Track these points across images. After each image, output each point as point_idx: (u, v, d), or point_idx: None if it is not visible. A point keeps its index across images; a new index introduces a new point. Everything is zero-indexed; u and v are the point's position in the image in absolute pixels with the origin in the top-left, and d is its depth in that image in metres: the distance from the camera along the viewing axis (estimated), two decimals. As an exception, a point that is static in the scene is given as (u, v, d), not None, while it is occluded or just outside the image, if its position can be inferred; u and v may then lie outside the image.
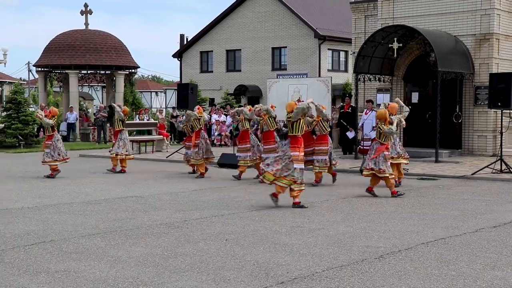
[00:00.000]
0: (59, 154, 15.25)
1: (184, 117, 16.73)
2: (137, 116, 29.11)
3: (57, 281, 6.07)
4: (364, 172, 12.27)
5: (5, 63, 33.26)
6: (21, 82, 44.02)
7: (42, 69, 31.85)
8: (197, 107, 16.58)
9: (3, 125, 24.64)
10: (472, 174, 15.13)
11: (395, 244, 7.70)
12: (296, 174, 10.56)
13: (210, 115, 26.12)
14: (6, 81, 56.94)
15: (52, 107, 17.00)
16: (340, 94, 33.28)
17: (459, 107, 20.06)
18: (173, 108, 31.14)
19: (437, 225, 9.00)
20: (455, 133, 20.18)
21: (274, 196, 10.60)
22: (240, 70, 38.96)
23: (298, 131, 10.75)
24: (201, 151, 15.35)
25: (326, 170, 13.70)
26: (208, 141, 15.87)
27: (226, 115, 27.46)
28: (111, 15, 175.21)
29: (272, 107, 14.33)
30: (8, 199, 11.51)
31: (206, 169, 15.59)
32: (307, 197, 11.76)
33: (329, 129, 13.73)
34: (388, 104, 12.55)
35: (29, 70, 59.66)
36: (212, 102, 36.43)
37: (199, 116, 15.77)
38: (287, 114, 11.12)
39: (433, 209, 10.55)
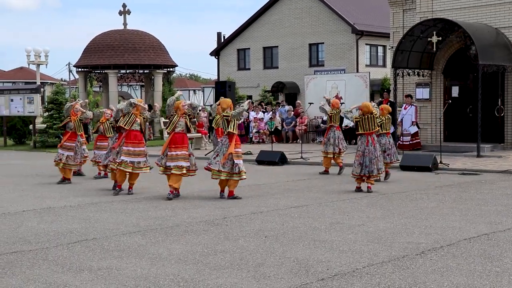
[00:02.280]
0: None
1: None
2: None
3: (99, 278, 6.15)
4: None
5: (46, 64, 33.82)
6: (62, 82, 44.83)
7: (82, 69, 32.37)
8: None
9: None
10: (515, 169, 14.85)
11: (437, 240, 7.60)
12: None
13: (248, 112, 26.09)
14: (47, 82, 57.94)
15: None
16: (378, 89, 33.00)
17: (501, 100, 19.69)
18: (211, 106, 31.33)
19: (480, 221, 8.85)
20: (497, 127, 19.81)
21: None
22: (277, 67, 38.91)
23: (234, 129, 11.25)
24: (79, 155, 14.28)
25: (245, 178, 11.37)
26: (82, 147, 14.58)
27: (264, 112, 27.48)
28: (149, 15, 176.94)
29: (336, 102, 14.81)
30: (51, 198, 11.72)
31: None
32: (346, 193, 11.69)
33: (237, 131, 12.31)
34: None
35: (70, 71, 60.76)
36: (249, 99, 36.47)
37: (85, 118, 14.27)
38: (223, 111, 11.35)
39: (476, 204, 10.37)
